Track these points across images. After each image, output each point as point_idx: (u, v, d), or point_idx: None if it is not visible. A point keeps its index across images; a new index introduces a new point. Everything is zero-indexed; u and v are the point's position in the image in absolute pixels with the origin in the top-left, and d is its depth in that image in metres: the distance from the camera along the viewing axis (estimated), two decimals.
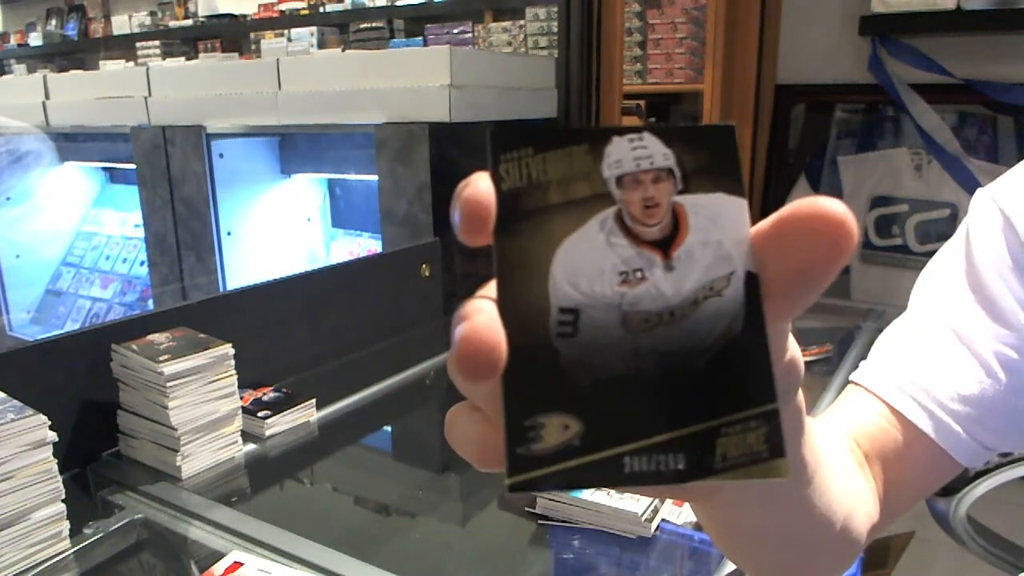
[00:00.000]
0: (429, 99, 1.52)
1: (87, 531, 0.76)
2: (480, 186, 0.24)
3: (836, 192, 2.02)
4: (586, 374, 0.22)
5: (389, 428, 1.19)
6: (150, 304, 2.41)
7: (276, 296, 1.18)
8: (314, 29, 3.91)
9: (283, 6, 4.16)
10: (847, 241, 0.22)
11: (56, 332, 1.04)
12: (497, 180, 0.24)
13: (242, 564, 0.67)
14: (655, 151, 0.23)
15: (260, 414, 0.97)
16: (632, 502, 0.82)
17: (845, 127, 2.03)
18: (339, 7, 3.94)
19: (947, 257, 0.58)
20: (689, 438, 0.22)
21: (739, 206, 0.23)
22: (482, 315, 0.22)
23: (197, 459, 0.89)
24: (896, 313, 0.67)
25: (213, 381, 0.90)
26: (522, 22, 3.35)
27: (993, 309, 0.51)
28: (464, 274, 1.61)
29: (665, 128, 0.24)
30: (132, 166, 2.11)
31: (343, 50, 3.59)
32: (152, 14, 4.77)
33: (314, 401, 1.04)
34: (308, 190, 2.16)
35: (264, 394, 1.03)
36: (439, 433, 1.18)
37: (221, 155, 1.94)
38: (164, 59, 4.28)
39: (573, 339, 0.22)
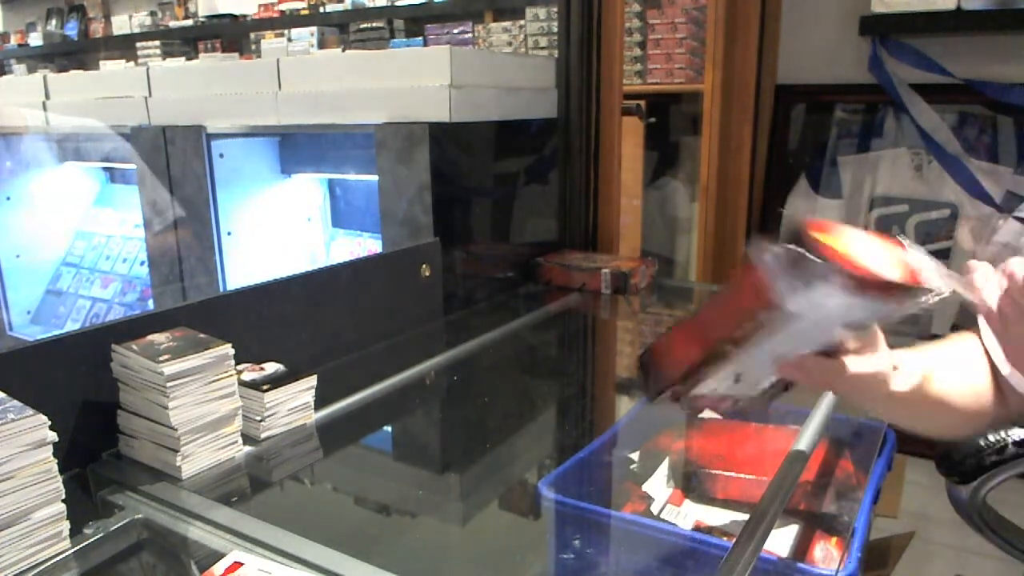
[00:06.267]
0: (429, 99, 1.52)
1: (87, 531, 0.76)
2: None
3: (836, 192, 2.02)
4: None
5: (389, 428, 1.19)
6: (150, 304, 2.41)
7: (276, 296, 1.18)
8: (314, 29, 3.92)
9: (283, 6, 4.17)
10: None
11: (56, 332, 1.04)
12: None
13: (242, 564, 0.67)
14: None
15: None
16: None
17: (845, 127, 2.03)
18: (339, 7, 3.94)
19: None
20: None
21: None
22: None
23: (197, 459, 0.89)
24: None
25: (213, 381, 0.90)
26: (522, 22, 3.35)
27: None
28: (464, 274, 1.61)
29: None
30: (132, 166, 2.11)
31: (343, 50, 3.59)
32: (152, 14, 4.77)
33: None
34: (308, 190, 2.17)
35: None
36: (439, 433, 1.18)
37: (221, 155, 1.94)
38: (164, 59, 4.29)
39: None
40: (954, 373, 0.76)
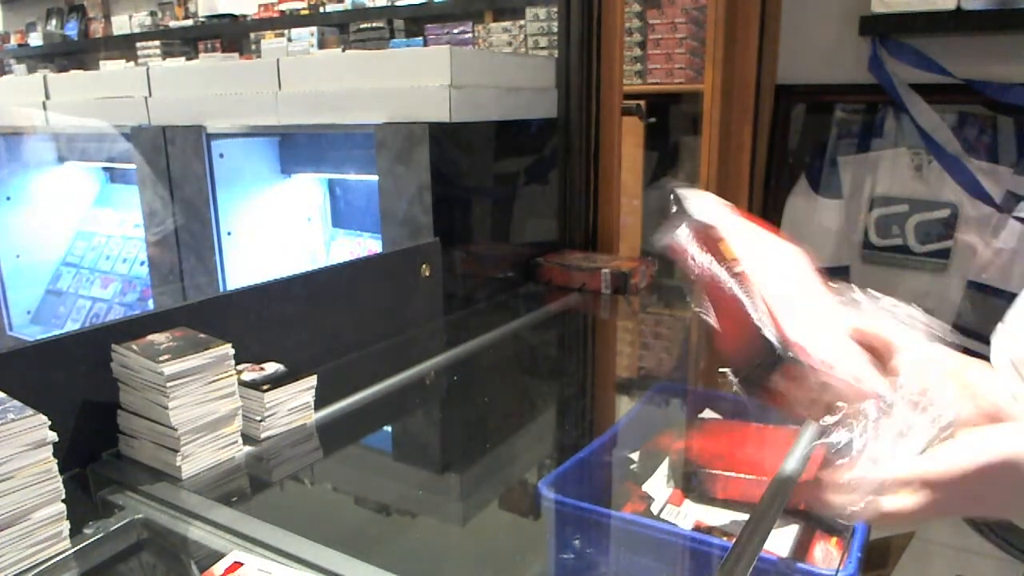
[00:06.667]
0: (429, 99, 1.52)
1: (87, 531, 0.76)
2: None
3: (836, 192, 2.02)
4: None
5: (389, 428, 1.19)
6: (150, 304, 2.41)
7: (276, 296, 1.18)
8: (314, 29, 3.92)
9: (283, 6, 4.17)
10: None
11: (56, 332, 1.04)
12: None
13: (242, 564, 0.67)
14: None
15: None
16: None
17: (845, 127, 2.03)
18: (339, 7, 3.95)
19: None
20: None
21: None
22: None
23: (197, 459, 0.89)
24: None
25: (213, 381, 0.90)
26: (522, 22, 3.35)
27: None
28: (464, 274, 1.61)
29: None
30: (132, 166, 2.11)
31: (343, 50, 3.59)
32: (152, 14, 4.78)
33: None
34: (308, 190, 2.17)
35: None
36: (439, 433, 1.18)
37: (221, 155, 1.94)
38: (164, 59, 4.30)
39: None
40: None
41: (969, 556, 1.83)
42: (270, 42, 3.74)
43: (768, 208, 2.13)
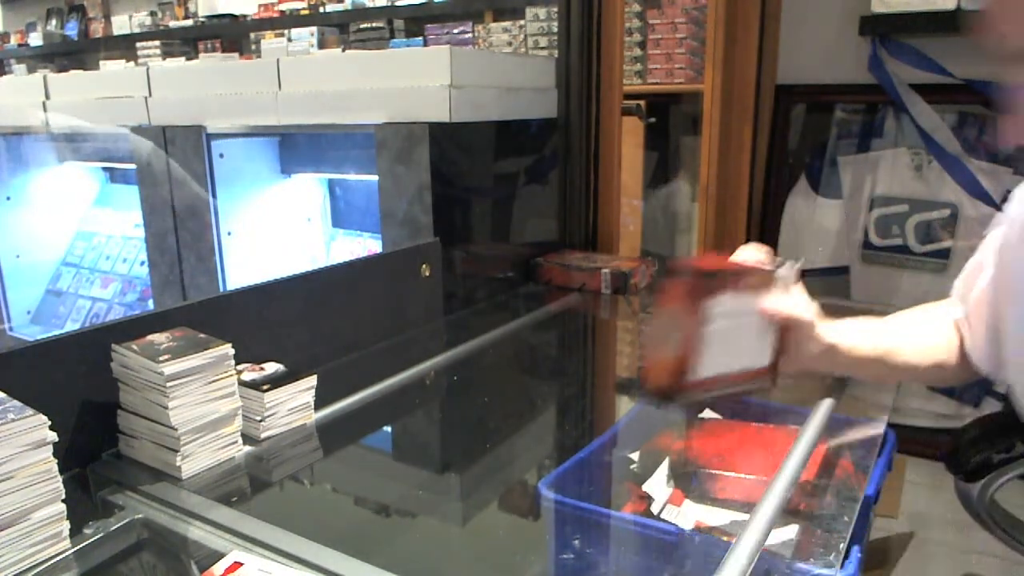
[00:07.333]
0: (429, 99, 1.52)
1: (87, 531, 0.76)
2: None
3: (836, 192, 2.02)
4: None
5: (389, 428, 1.19)
6: (150, 304, 2.41)
7: (276, 296, 1.18)
8: (314, 29, 3.92)
9: (283, 6, 4.17)
10: None
11: (56, 332, 1.04)
12: None
13: (242, 564, 0.67)
14: None
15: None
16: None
17: (845, 127, 2.03)
18: (339, 7, 3.95)
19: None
20: None
21: None
22: None
23: (197, 459, 0.89)
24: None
25: (213, 381, 0.90)
26: (522, 22, 3.35)
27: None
28: (464, 274, 1.61)
29: None
30: (132, 166, 2.11)
31: (343, 50, 3.59)
32: (152, 14, 4.77)
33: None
34: (308, 190, 2.17)
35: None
36: (439, 433, 1.18)
37: (221, 155, 1.94)
38: (164, 59, 4.29)
39: None
40: (910, 343, 0.92)
41: (969, 556, 1.83)
42: (270, 42, 3.73)
43: (768, 208, 2.13)
